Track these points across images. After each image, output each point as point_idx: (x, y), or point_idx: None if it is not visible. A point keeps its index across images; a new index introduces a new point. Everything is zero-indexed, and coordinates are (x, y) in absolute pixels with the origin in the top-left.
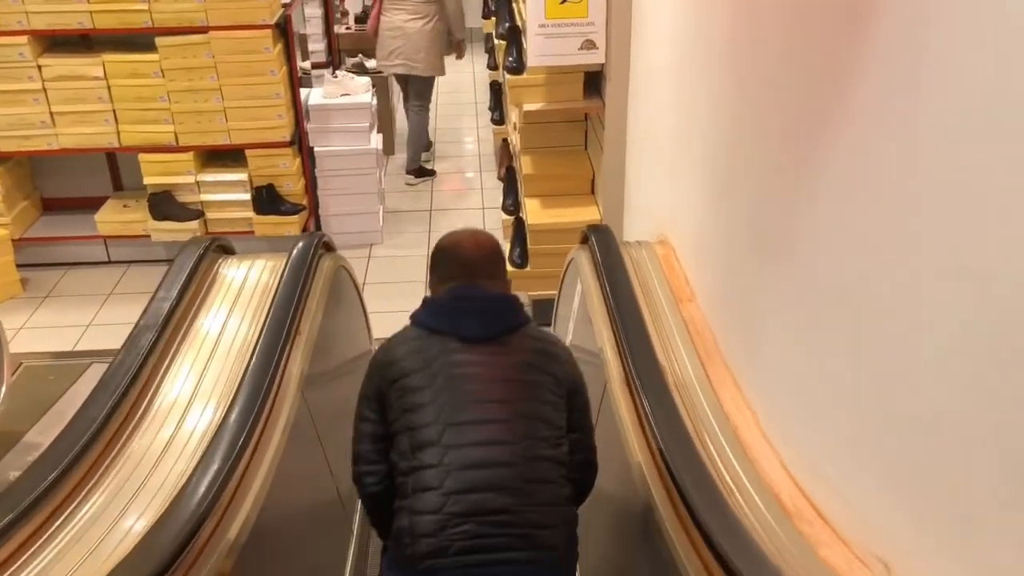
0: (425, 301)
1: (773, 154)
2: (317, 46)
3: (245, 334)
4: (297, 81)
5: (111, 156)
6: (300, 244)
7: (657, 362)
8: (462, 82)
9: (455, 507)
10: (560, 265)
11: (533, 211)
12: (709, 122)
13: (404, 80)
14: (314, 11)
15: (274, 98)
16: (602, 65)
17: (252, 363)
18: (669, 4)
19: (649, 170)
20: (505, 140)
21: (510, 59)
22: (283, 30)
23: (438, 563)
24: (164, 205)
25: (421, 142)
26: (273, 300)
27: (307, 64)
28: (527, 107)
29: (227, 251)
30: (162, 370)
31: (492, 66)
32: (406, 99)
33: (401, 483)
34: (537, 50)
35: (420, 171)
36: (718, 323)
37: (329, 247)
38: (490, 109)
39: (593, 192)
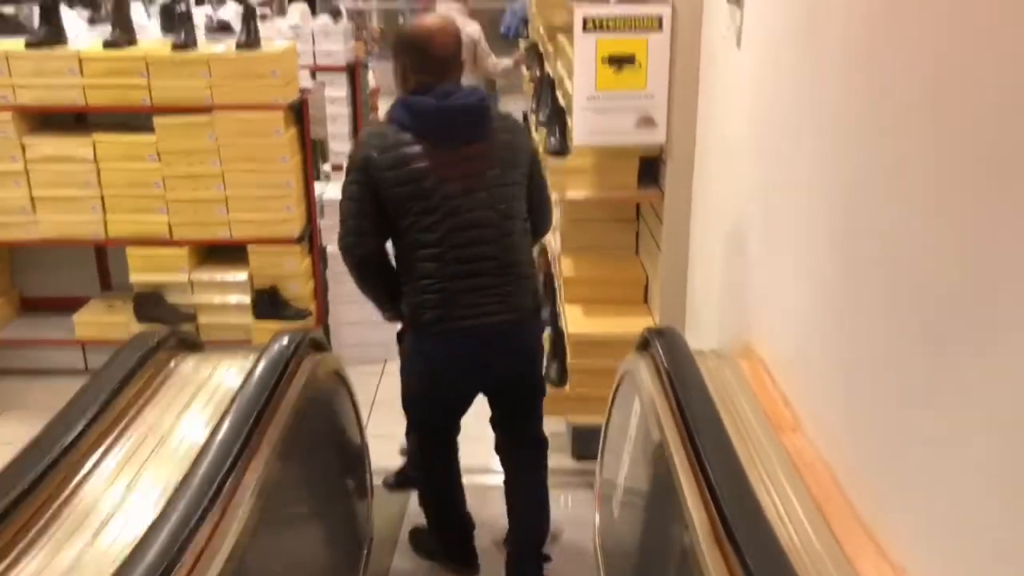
0: (405, 105)
1: (959, 224)
2: (341, 147)
3: (189, 447)
4: (311, 170)
5: (100, 252)
6: (283, 338)
7: (763, 513)
8: None
9: (453, 287)
10: (605, 385)
11: (573, 319)
12: (824, 193)
13: None
14: (340, 110)
15: (284, 188)
16: (661, 147)
17: (183, 489)
18: (750, 64)
19: (724, 270)
20: (543, 247)
21: (551, 140)
22: (298, 112)
23: (446, 326)
24: (151, 306)
25: None
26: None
27: (327, 167)
28: (571, 195)
29: (191, 346)
30: (67, 490)
31: None
32: None
33: (413, 267)
34: (585, 127)
35: None
36: (847, 464)
37: (320, 346)
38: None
39: (646, 301)
